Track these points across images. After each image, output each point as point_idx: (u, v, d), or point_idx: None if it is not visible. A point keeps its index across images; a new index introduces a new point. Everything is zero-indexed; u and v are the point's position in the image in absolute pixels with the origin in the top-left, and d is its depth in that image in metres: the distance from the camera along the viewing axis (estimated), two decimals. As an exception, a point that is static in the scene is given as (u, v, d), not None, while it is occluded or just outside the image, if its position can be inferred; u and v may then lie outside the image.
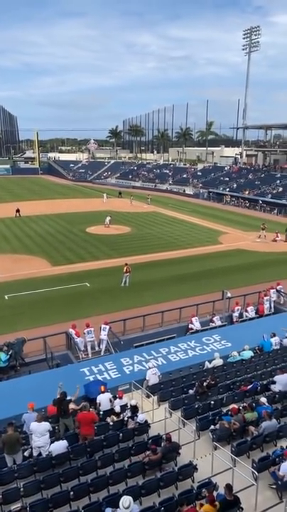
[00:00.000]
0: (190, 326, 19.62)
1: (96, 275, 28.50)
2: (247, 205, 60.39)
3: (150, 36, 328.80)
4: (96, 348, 18.15)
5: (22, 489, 8.91)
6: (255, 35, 73.61)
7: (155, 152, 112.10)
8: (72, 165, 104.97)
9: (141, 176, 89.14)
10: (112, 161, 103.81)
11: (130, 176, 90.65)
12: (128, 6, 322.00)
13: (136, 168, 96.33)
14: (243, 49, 75.87)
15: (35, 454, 10.23)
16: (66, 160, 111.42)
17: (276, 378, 13.12)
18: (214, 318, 20.22)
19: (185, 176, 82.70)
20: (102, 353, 17.81)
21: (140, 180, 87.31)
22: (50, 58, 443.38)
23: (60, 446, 10.08)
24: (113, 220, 45.16)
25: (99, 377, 14.66)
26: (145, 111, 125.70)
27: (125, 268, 26.51)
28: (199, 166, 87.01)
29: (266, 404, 11.52)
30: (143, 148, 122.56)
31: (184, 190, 75.51)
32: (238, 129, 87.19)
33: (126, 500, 7.62)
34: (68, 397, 11.37)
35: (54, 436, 10.64)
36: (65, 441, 10.30)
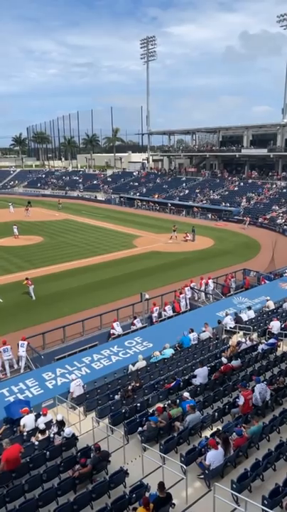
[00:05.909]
0: (112, 331, 19.66)
1: (9, 290, 27.09)
2: (157, 208, 62.45)
3: (50, 43, 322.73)
4: (15, 366, 17.29)
5: None
6: (151, 44, 76.50)
7: (63, 159, 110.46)
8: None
9: (50, 184, 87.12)
10: (18, 170, 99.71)
11: (38, 184, 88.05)
12: (22, 11, 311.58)
13: (44, 175, 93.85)
14: (141, 58, 78.51)
15: None
16: None
17: (196, 372, 13.70)
18: (135, 321, 20.51)
19: (95, 182, 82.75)
20: (22, 371, 17.01)
21: (49, 188, 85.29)
22: None
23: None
24: (25, 230, 43.41)
25: (21, 397, 13.94)
26: (50, 118, 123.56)
27: (25, 282, 25.86)
28: (109, 172, 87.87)
29: (189, 398, 11.97)
30: (50, 155, 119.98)
31: (95, 197, 75.54)
32: (143, 135, 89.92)
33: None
34: None
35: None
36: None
